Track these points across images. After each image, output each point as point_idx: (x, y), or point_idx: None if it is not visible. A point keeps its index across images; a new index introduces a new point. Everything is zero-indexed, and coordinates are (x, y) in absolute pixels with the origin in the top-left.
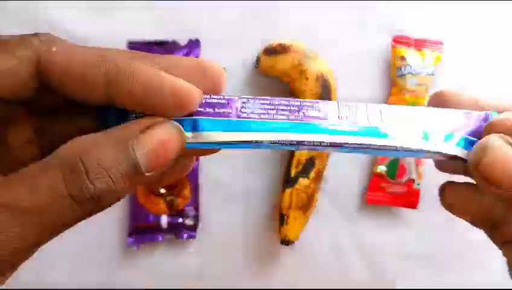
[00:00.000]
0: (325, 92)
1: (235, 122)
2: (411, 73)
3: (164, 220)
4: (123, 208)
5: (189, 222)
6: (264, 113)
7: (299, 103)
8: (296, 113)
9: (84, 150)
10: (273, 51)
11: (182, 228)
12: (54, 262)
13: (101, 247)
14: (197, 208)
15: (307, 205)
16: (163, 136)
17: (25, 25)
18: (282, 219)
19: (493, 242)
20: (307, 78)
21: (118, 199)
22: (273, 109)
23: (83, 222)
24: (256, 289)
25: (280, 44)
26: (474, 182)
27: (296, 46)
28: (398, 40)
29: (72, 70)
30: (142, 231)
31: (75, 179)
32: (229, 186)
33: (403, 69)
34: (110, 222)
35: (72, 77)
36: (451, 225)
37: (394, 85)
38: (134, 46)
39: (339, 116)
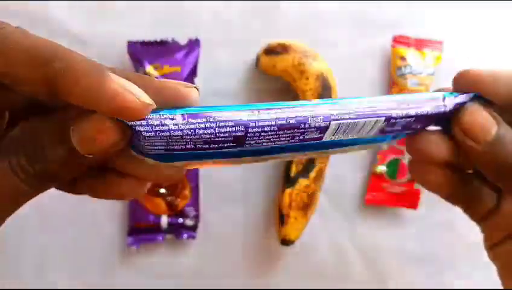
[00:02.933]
0: (325, 92)
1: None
2: (411, 73)
3: (164, 220)
4: (123, 208)
5: (189, 222)
6: (266, 141)
7: (303, 130)
8: (297, 137)
9: (27, 138)
10: (273, 51)
11: (182, 228)
12: (54, 262)
13: (101, 247)
14: (197, 208)
15: (307, 205)
16: (98, 126)
17: (25, 26)
18: (282, 219)
19: (472, 219)
20: (307, 78)
21: (60, 177)
22: (276, 136)
23: (83, 221)
24: (256, 289)
25: (280, 44)
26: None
27: (296, 46)
28: (398, 40)
29: (21, 54)
30: (142, 230)
31: (18, 163)
32: (229, 186)
33: (403, 69)
34: (109, 221)
35: (17, 61)
36: (451, 225)
37: (394, 85)
38: (134, 46)
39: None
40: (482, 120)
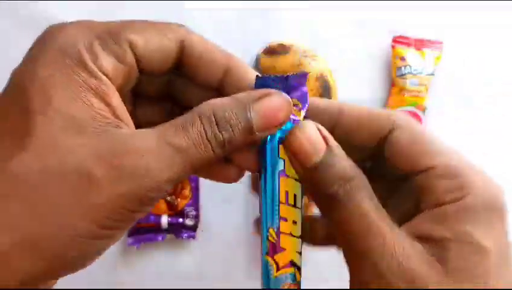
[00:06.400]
0: (325, 92)
1: None
2: (411, 73)
3: (164, 220)
4: None
5: (189, 222)
6: None
7: None
8: None
9: (215, 108)
10: (273, 51)
11: (182, 228)
12: None
13: None
14: (197, 208)
15: (306, 205)
16: (274, 104)
17: (25, 25)
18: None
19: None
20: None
21: (235, 151)
22: None
23: None
24: (256, 289)
25: (280, 44)
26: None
27: (296, 46)
28: (398, 40)
29: (209, 56)
30: (142, 230)
31: (211, 129)
32: (229, 186)
33: (403, 69)
34: None
35: (207, 60)
36: None
37: (394, 85)
38: None
39: None
40: (307, 145)
